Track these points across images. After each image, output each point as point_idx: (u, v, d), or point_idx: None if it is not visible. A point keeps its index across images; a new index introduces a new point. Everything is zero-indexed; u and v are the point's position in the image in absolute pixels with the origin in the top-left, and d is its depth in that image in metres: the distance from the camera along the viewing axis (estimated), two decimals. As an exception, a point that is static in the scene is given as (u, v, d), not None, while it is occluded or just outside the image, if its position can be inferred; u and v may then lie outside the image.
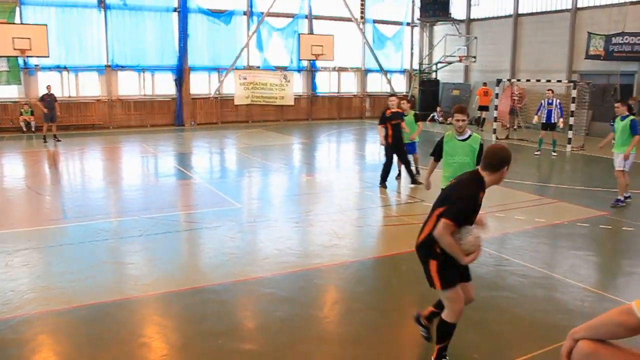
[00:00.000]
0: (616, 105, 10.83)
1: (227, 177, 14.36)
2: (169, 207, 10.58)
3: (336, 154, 16.98)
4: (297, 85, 29.65)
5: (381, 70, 31.12)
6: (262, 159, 16.29)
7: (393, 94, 13.11)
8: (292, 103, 29.15)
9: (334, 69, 30.60)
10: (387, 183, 12.16)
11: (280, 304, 6.11)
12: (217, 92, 27.57)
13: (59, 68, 24.82)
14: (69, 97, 25.35)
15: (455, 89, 30.35)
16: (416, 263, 4.61)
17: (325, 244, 8.26)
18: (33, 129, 24.27)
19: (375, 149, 19.80)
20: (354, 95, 31.49)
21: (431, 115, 29.21)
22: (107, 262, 7.52)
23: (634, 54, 21.66)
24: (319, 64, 29.69)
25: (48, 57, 23.61)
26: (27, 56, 23.57)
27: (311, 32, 29.15)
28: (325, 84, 30.73)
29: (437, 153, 7.32)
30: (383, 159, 12.35)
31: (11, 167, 16.62)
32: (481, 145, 6.84)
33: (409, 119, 12.63)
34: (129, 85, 25.62)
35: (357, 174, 14.53)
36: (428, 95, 30.01)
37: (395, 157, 12.30)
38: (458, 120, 6.93)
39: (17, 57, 23.42)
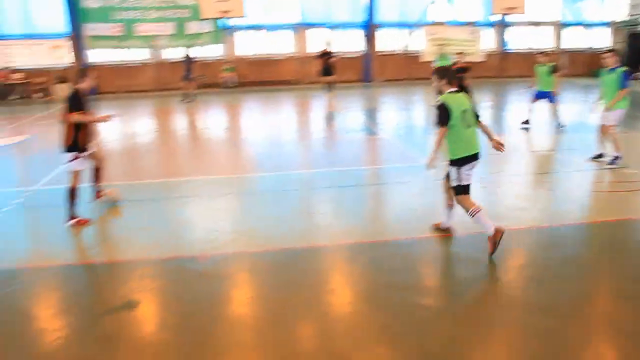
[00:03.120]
0: None
1: (414, 134, 14.31)
2: (357, 162, 10.85)
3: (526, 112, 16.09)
4: (488, 41, 28.36)
5: (581, 23, 28.54)
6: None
7: (461, 52, 16.42)
8: (481, 60, 28.01)
9: (527, 24, 28.71)
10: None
11: (466, 263, 6.01)
12: (405, 48, 27.36)
13: (255, 27, 26.30)
14: (264, 54, 26.84)
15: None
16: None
17: (512, 207, 7.92)
18: (233, 85, 26.14)
19: (570, 110, 18.41)
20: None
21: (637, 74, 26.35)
22: (299, 210, 7.96)
23: None
24: (510, 18, 28.06)
25: (245, 17, 25.10)
26: (228, 17, 25.25)
27: (505, -17, 27.57)
28: (517, 40, 28.99)
29: None
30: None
31: (213, 120, 18.16)
32: None
33: (545, 70, 13.79)
34: (319, 42, 26.30)
35: (550, 135, 13.64)
36: (637, 51, 27.00)
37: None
38: None
39: (219, 18, 25.22)
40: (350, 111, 18.14)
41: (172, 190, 9.17)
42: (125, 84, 26.38)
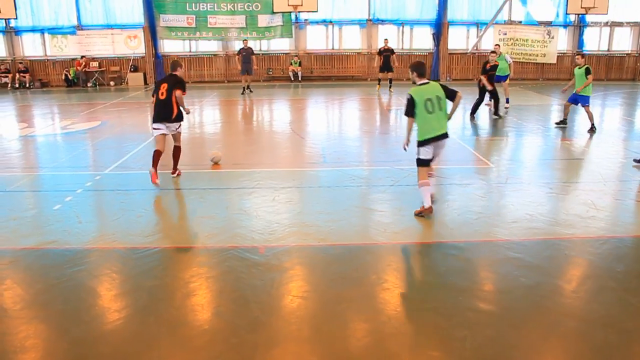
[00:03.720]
0: None
1: (479, 135, 14.04)
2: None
3: (599, 118, 15.48)
4: (562, 42, 27.45)
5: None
6: (517, 118, 15.57)
7: (493, 51, 16.67)
8: (554, 61, 27.18)
9: (606, 24, 27.58)
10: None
11: (525, 270, 5.84)
12: (475, 48, 26.86)
13: (325, 22, 26.39)
14: (332, 49, 26.93)
15: None
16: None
17: (581, 215, 7.65)
18: (300, 79, 26.35)
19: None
20: (628, 54, 28.14)
21: None
22: (359, 207, 7.94)
23: None
24: (588, 18, 27.05)
25: (317, 12, 25.23)
26: (299, 11, 25.44)
27: (583, -17, 26.62)
28: (594, 41, 27.91)
29: None
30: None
31: (279, 112, 18.36)
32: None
33: (581, 72, 13.47)
34: (388, 39, 26.11)
35: (623, 141, 13.09)
36: None
37: None
38: None
39: (290, 12, 25.45)
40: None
41: (233, 181, 9.33)
42: (195, 74, 27.03)
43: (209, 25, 25.92)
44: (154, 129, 9.09)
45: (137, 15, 26.09)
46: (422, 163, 7.46)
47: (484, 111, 17.73)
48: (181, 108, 9.00)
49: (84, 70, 26.30)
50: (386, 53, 21.48)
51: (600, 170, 10.12)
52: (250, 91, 22.28)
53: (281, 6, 25.01)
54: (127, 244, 6.54)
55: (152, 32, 26.06)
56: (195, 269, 5.93)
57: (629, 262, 6.16)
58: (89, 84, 26.35)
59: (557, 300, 5.27)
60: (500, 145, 12.87)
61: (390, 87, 21.29)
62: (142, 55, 26.64)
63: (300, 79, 26.40)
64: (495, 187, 8.95)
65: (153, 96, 9.11)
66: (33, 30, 26.39)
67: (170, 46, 27.15)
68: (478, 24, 26.83)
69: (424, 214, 7.37)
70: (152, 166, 8.75)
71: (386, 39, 22.44)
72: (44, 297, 5.30)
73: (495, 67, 16.18)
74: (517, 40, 26.59)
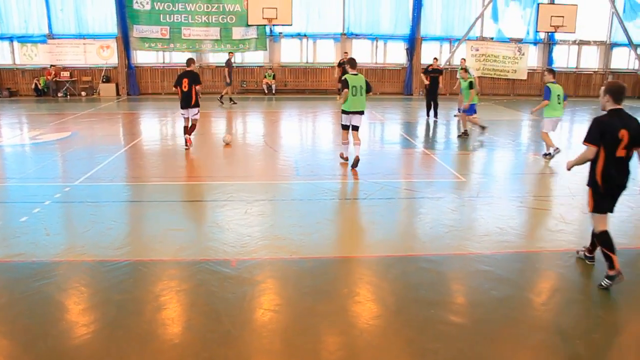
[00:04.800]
0: None
1: (451, 149, 14.17)
2: (393, 174, 10.80)
3: (568, 133, 15.79)
4: (532, 58, 28.01)
5: (630, 44, 27.98)
6: (488, 133, 15.78)
7: (435, 58, 19.76)
8: (524, 77, 27.67)
9: (574, 42, 28.25)
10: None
11: (496, 283, 5.90)
12: (447, 63, 27.18)
13: (299, 35, 26.51)
14: (306, 62, 27.03)
15: None
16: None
17: (550, 228, 7.76)
18: (273, 92, 26.36)
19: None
20: (595, 72, 28.81)
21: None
22: (332, 220, 7.95)
23: None
24: (557, 36, 27.66)
25: (291, 25, 25.33)
26: (273, 25, 25.52)
27: (552, 2, 27.18)
28: (563, 59, 28.56)
29: None
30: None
31: (253, 125, 18.31)
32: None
33: (465, 85, 15.11)
34: (362, 53, 26.36)
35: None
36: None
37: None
38: None
39: (265, 25, 25.50)
40: (389, 123, 18.07)
41: (205, 193, 9.26)
42: (168, 86, 26.84)
43: (183, 37, 25.79)
44: (181, 113, 12.79)
45: (110, 25, 25.84)
46: (342, 127, 11.39)
47: (454, 123, 17.94)
48: (199, 96, 12.41)
49: (54, 79, 25.94)
50: (345, 65, 21.92)
51: (569, 185, 10.29)
52: (223, 103, 22.50)
53: (256, 19, 25.03)
54: (96, 257, 6.43)
55: (125, 43, 25.85)
56: (166, 282, 5.86)
57: (596, 275, 6.24)
58: (60, 94, 25.98)
59: (527, 312, 5.33)
60: (471, 159, 13.01)
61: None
62: (114, 65, 26.38)
63: (274, 92, 26.43)
64: (467, 201, 9.03)
65: (175, 87, 12.48)
66: (1, 37, 25.92)
67: (143, 57, 26.94)
68: (451, 40, 27.21)
69: (342, 158, 11.32)
70: (185, 134, 12.74)
71: (345, 52, 23.15)
72: (9, 312, 5.18)
73: (436, 70, 18.90)
74: (488, 56, 27.01)
